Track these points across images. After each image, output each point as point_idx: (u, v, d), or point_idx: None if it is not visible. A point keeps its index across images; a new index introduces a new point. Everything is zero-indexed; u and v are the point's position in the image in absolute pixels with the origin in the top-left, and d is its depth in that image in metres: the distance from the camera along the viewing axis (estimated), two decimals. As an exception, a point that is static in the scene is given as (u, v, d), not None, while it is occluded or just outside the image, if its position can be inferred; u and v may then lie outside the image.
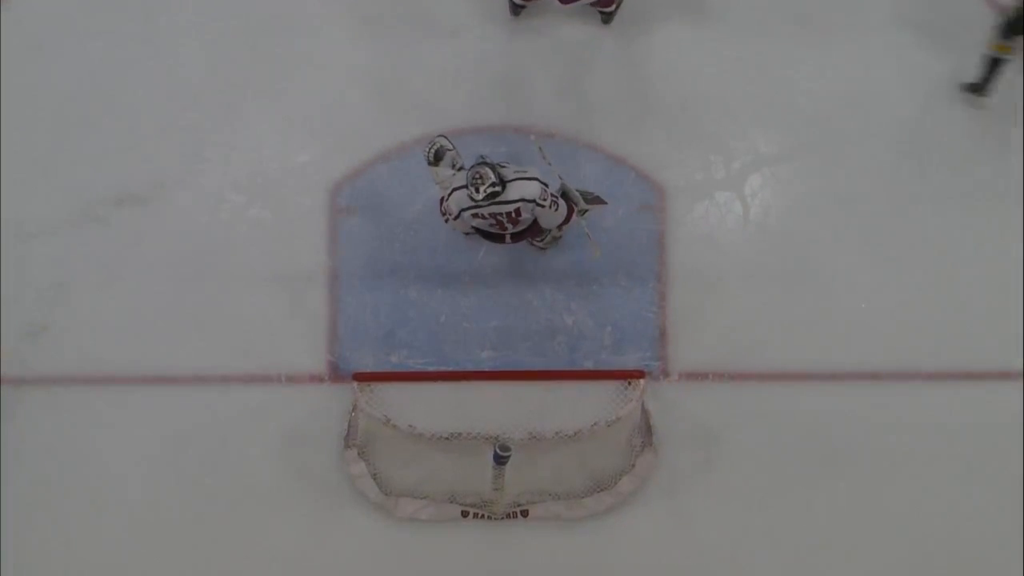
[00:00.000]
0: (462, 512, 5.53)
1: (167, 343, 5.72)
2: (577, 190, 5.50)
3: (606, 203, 5.68)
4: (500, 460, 4.94)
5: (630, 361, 5.71)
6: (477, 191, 4.97)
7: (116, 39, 6.00)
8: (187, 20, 6.11)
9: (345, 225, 5.83)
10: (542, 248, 5.77)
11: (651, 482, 5.59)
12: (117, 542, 5.57)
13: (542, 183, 5.15)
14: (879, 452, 5.64)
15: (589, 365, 5.72)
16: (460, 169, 5.23)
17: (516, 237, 5.41)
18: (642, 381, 5.46)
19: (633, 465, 5.57)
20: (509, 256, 5.83)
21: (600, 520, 5.57)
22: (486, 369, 5.69)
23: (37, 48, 6.01)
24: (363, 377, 5.51)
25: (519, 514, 5.54)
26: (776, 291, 5.81)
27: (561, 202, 5.31)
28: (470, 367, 5.70)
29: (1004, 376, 5.70)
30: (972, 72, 5.97)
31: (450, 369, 5.69)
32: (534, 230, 5.41)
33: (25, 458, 5.60)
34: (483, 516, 5.53)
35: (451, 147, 5.24)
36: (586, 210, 5.54)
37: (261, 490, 5.60)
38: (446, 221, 5.37)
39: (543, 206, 5.16)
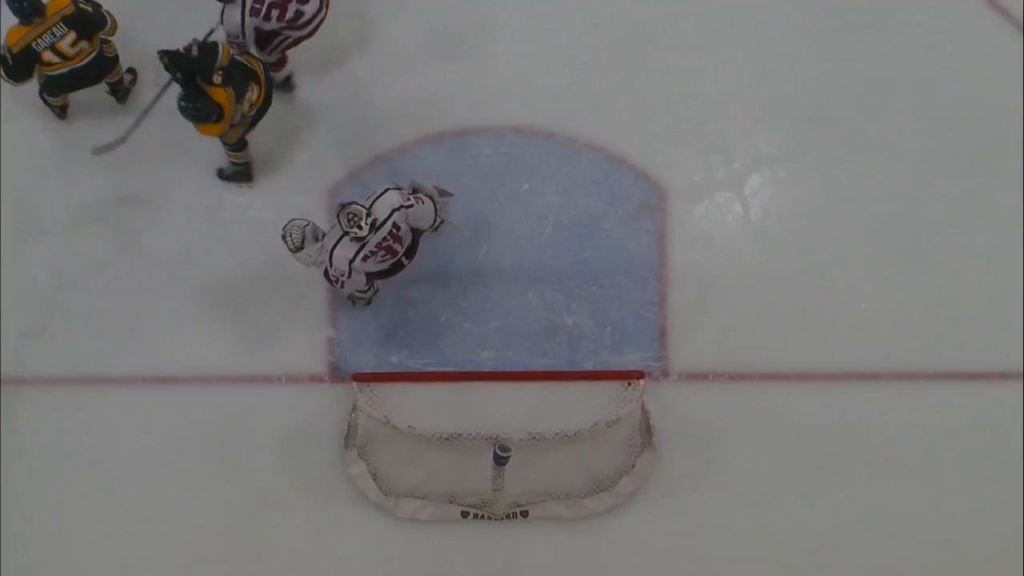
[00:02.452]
0: (462, 512, 5.54)
1: (167, 343, 5.72)
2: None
3: (452, 195, 5.68)
4: (500, 460, 4.93)
5: (630, 361, 5.72)
6: (361, 228, 5.02)
7: (116, 39, 5.98)
8: (187, 20, 6.10)
9: (345, 225, 5.81)
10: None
11: (651, 482, 5.59)
12: (117, 542, 5.57)
13: (395, 188, 5.20)
14: (879, 452, 5.64)
15: (589, 365, 5.72)
16: (324, 237, 5.22)
17: (409, 255, 5.38)
18: (642, 381, 5.47)
19: (633, 465, 5.57)
20: (509, 256, 5.83)
21: (600, 520, 5.57)
22: (486, 369, 5.70)
23: (37, 48, 6.00)
24: (363, 377, 5.52)
25: (519, 514, 5.54)
26: (776, 291, 5.82)
27: (423, 197, 5.32)
28: (470, 367, 5.70)
29: (1004, 376, 5.70)
30: (970, 74, 5.99)
31: (450, 369, 5.69)
32: (416, 241, 5.39)
33: (25, 458, 5.61)
34: (483, 516, 5.54)
35: (305, 222, 5.23)
36: (444, 202, 5.57)
37: (261, 490, 5.60)
38: (341, 286, 5.30)
39: (412, 205, 5.20)
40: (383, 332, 5.76)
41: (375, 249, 5.16)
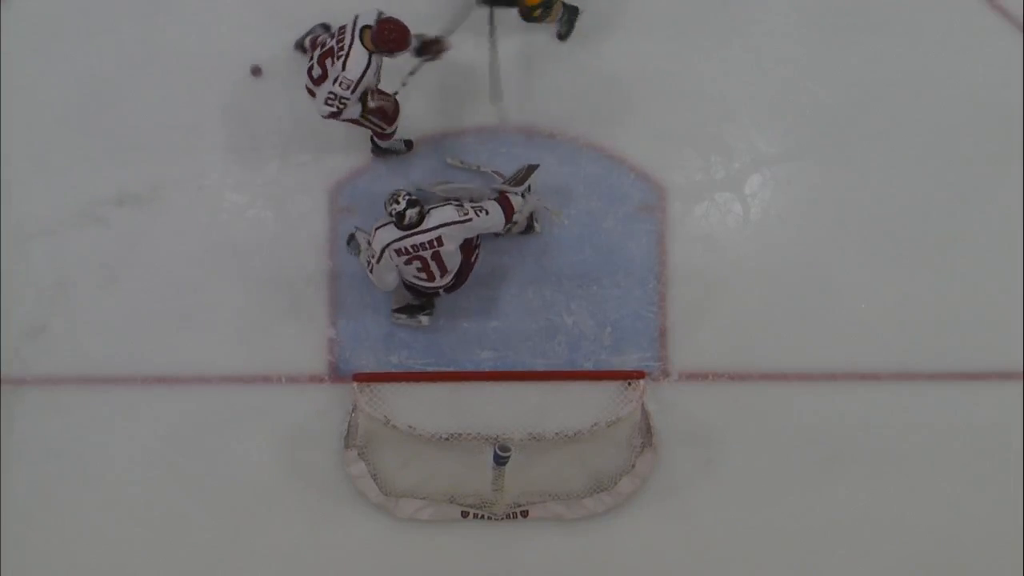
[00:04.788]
0: (462, 512, 5.54)
1: (167, 343, 5.72)
2: (513, 175, 5.59)
3: (537, 165, 5.68)
4: (500, 460, 4.94)
5: (630, 361, 5.72)
6: (398, 203, 5.12)
7: (116, 39, 5.99)
8: (186, 20, 6.10)
9: (345, 225, 5.82)
10: (523, 231, 5.76)
11: (651, 482, 5.60)
12: (117, 542, 5.59)
13: (456, 203, 5.26)
14: (879, 452, 5.65)
15: (589, 365, 5.72)
16: (369, 244, 5.38)
17: (449, 290, 5.45)
18: (642, 382, 5.47)
19: (633, 465, 5.57)
20: (509, 256, 5.82)
21: (600, 520, 5.58)
22: (486, 369, 5.70)
23: (37, 48, 6.01)
24: (363, 377, 5.52)
25: (519, 514, 5.54)
26: (776, 291, 5.82)
27: (490, 205, 5.33)
28: (470, 367, 5.70)
29: (1004, 376, 5.70)
30: (971, 74, 5.99)
31: (450, 369, 5.69)
32: (463, 274, 5.45)
33: (25, 458, 5.61)
34: (483, 516, 5.54)
35: (360, 230, 5.55)
36: (528, 186, 5.57)
37: (261, 490, 5.61)
38: (371, 270, 5.39)
39: (467, 220, 5.22)
40: (383, 332, 5.76)
41: (411, 248, 5.21)
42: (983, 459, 5.62)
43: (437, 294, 5.49)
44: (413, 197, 5.17)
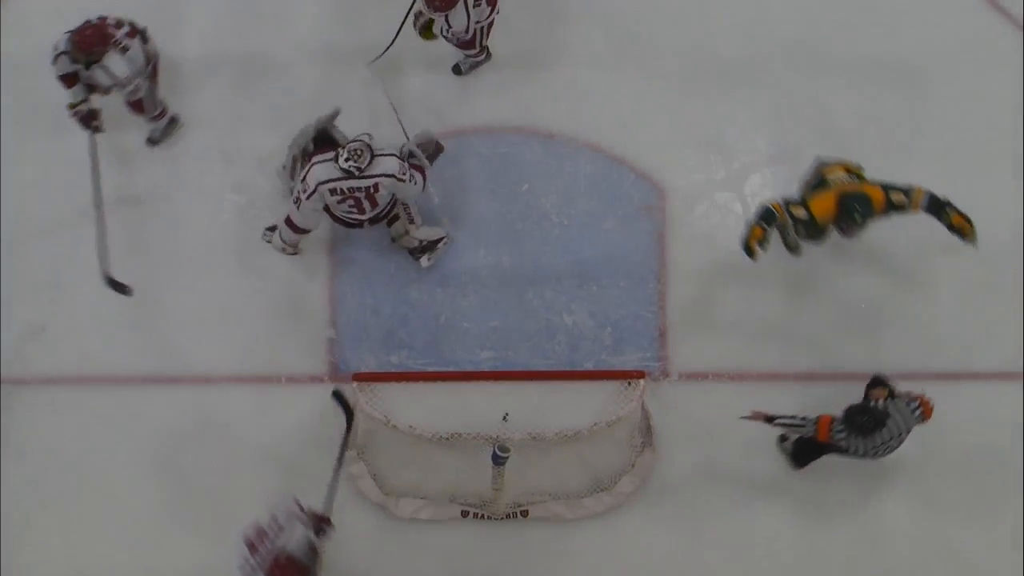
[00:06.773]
0: (462, 512, 5.54)
1: (167, 343, 5.72)
2: (416, 144, 5.57)
3: (443, 148, 5.71)
4: (499, 460, 4.94)
5: (630, 361, 5.72)
6: (358, 167, 5.15)
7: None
8: (186, 18, 6.11)
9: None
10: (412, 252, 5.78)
11: (651, 482, 5.60)
12: (116, 542, 5.58)
13: (399, 158, 5.30)
14: (879, 452, 5.64)
15: (589, 365, 5.72)
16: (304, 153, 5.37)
17: (373, 221, 5.48)
18: (642, 381, 5.46)
19: (633, 465, 5.57)
20: (509, 256, 5.83)
21: (600, 520, 5.57)
22: (486, 369, 5.70)
23: (37, 48, 6.00)
24: (363, 377, 5.52)
25: (519, 514, 5.54)
26: (776, 291, 5.82)
27: (416, 175, 5.40)
28: (470, 367, 5.71)
29: (1004, 376, 5.70)
30: (971, 73, 5.99)
31: (450, 369, 5.69)
32: (389, 214, 5.50)
33: (25, 458, 5.61)
34: (483, 516, 5.54)
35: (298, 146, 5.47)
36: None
37: (262, 490, 5.59)
38: (297, 205, 5.36)
39: (403, 180, 5.29)
40: (383, 332, 5.77)
41: (347, 192, 5.26)
42: (983, 459, 5.62)
43: (361, 226, 5.51)
44: (367, 161, 5.18)
